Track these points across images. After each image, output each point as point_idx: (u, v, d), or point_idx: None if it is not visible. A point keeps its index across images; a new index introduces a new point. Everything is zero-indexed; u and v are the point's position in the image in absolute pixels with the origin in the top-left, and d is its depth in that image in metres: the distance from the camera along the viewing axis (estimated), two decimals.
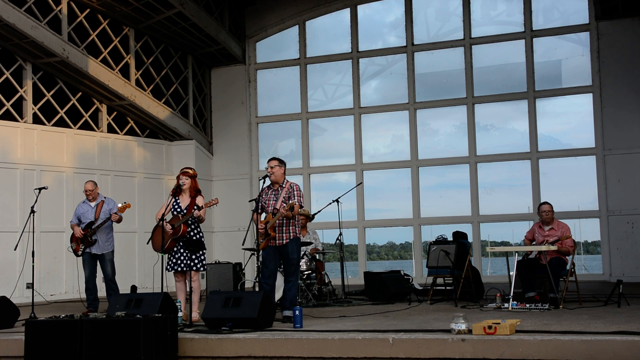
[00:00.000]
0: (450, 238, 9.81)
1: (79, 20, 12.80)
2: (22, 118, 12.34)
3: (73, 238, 9.11)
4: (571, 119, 14.40)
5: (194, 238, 7.66)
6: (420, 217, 14.56)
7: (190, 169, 7.96)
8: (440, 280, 9.73)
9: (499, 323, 5.69)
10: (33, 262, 8.46)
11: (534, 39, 14.08)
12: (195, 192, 7.81)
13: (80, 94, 13.25)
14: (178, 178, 7.82)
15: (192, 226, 7.72)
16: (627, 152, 13.22)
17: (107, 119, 13.76)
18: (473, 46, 14.45)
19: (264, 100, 15.85)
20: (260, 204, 7.64)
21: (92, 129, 13.45)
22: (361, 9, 15.35)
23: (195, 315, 7.50)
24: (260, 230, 7.51)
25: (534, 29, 14.09)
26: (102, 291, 9.43)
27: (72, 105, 13.11)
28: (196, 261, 7.59)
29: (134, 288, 11.64)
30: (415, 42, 14.83)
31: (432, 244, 9.64)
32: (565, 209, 13.05)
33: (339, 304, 9.31)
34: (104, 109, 13.71)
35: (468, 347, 5.57)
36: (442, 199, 14.91)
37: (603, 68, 13.53)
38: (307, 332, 6.30)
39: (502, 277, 12.94)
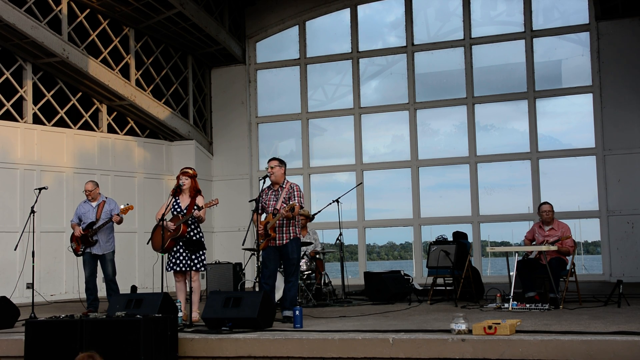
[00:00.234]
0: (450, 238, 9.82)
1: (79, 20, 12.80)
2: (22, 118, 12.34)
3: (73, 238, 9.10)
4: (571, 119, 14.41)
5: (194, 238, 7.66)
6: (420, 217, 14.55)
7: (190, 169, 7.96)
8: (440, 281, 9.73)
9: (499, 323, 5.69)
10: (33, 262, 8.46)
11: (534, 39, 14.07)
12: (195, 192, 7.81)
13: (80, 94, 13.25)
14: (178, 178, 7.82)
15: (192, 226, 7.72)
16: (627, 152, 13.21)
17: (107, 119, 13.76)
18: (473, 46, 14.44)
19: (264, 100, 15.85)
20: (260, 204, 7.64)
21: (92, 129, 13.45)
22: (361, 9, 15.34)
23: (195, 315, 7.50)
24: (259, 232, 7.51)
25: (534, 29, 14.08)
26: (102, 291, 9.43)
27: (72, 105, 13.11)
28: (196, 261, 7.58)
29: (134, 288, 11.63)
30: (415, 42, 14.82)
31: (432, 244, 9.64)
32: (565, 209, 13.03)
33: (339, 304, 9.30)
34: (104, 109, 13.71)
35: (468, 347, 5.57)
36: (442, 199, 14.91)
37: (603, 68, 13.53)
38: (307, 332, 6.30)
39: (502, 277, 12.92)
